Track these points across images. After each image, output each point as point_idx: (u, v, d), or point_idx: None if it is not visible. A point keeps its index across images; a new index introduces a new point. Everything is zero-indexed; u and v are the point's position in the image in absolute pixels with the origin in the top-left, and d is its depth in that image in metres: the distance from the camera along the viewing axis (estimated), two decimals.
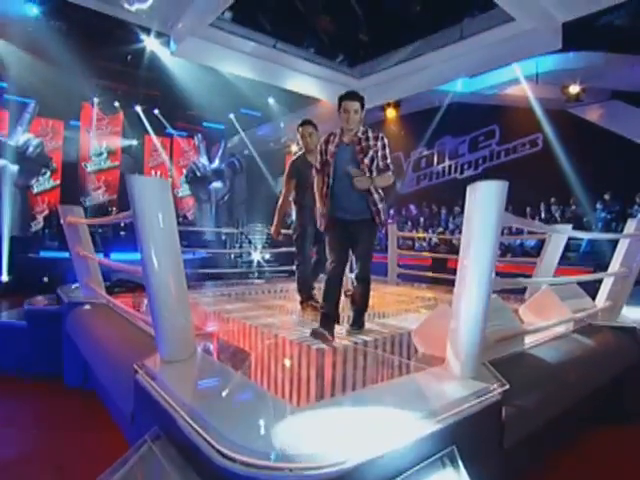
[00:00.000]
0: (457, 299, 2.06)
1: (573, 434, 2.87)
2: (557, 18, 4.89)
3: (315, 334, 2.78)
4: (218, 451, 1.33)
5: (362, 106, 2.98)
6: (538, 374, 2.43)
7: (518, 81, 9.38)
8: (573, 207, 9.96)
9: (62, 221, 4.13)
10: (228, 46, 5.86)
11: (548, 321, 2.97)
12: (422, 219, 12.43)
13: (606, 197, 9.37)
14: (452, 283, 2.19)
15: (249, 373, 2.19)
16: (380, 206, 3.00)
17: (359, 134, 2.99)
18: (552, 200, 10.16)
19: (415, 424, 1.59)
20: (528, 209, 10.30)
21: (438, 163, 13.15)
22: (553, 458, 2.54)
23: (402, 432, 1.53)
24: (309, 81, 7.01)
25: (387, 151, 3.00)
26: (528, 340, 2.82)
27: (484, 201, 1.91)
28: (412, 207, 13.33)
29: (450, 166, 12.85)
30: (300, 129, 3.96)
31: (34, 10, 8.15)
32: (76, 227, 3.94)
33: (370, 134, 2.99)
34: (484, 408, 1.84)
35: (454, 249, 10.48)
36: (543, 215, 10.22)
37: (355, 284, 3.25)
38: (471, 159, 12.29)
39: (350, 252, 3.21)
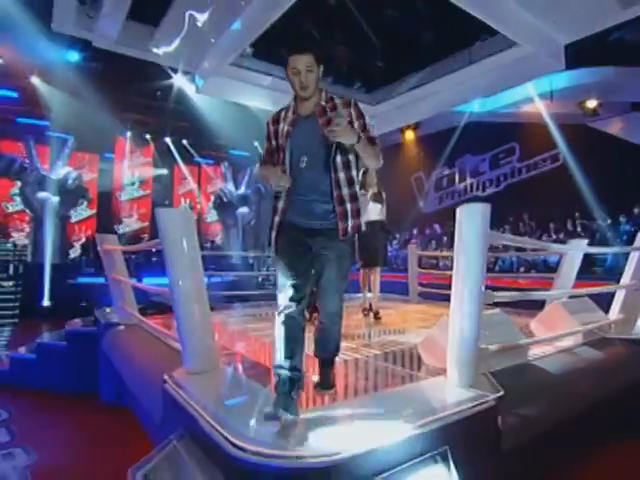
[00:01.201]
0: (452, 313, 2.23)
1: (585, 445, 2.92)
2: (559, 41, 5.06)
3: (268, 417, 1.73)
4: (233, 444, 1.55)
5: (318, 61, 2.06)
6: (539, 385, 2.55)
7: (533, 99, 9.49)
8: (598, 221, 9.85)
9: (99, 248, 4.51)
10: (248, 81, 6.30)
11: (555, 334, 3.07)
12: (445, 238, 12.49)
13: (635, 210, 9.25)
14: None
15: (264, 382, 2.41)
16: (348, 206, 2.07)
17: (321, 101, 2.11)
18: (576, 215, 10.09)
19: (409, 425, 1.77)
20: (551, 225, 10.24)
21: (460, 182, 13.25)
22: (560, 468, 2.62)
23: (396, 431, 1.71)
24: None
25: (366, 121, 2.16)
26: (535, 352, 2.94)
27: (470, 222, 2.10)
28: (437, 226, 13.41)
29: (472, 184, 12.92)
30: None
31: (75, 56, 8.94)
32: (112, 254, 4.30)
33: (337, 100, 2.13)
34: (478, 413, 1.99)
35: None
36: (568, 230, 10.13)
37: (317, 322, 2.27)
38: (492, 176, 12.35)
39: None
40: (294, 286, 2.02)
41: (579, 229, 9.86)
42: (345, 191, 2.07)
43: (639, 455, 2.92)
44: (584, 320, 3.45)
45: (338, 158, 2.07)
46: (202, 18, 5.19)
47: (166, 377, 2.35)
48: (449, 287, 2.38)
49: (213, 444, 1.64)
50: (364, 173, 4.52)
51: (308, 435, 1.61)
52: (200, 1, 5.23)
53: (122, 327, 4.15)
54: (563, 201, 10.16)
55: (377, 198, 4.51)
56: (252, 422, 1.71)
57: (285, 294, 2.02)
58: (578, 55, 7.39)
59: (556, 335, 3.03)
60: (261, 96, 6.75)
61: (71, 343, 4.77)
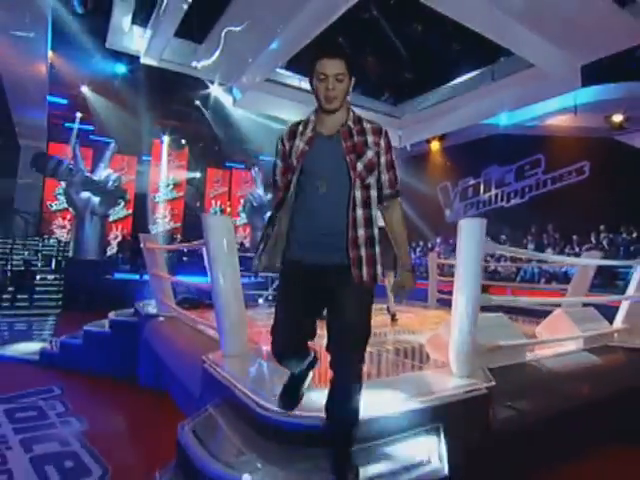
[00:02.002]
0: (454, 314, 2.56)
1: (570, 443, 3.15)
2: (574, 63, 5.28)
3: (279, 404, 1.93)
4: (260, 406, 1.94)
5: (350, 70, 1.75)
6: (533, 381, 2.84)
7: (558, 113, 9.61)
8: (624, 235, 9.85)
9: (142, 246, 5.01)
10: (281, 96, 6.75)
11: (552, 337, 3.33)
12: None
13: None
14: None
15: None
16: (363, 252, 1.75)
17: (349, 121, 1.80)
18: (601, 228, 10.11)
19: (409, 402, 2.11)
20: (575, 237, 10.29)
21: (485, 192, 13.38)
22: (544, 460, 2.87)
23: (397, 405, 2.06)
24: None
25: (394, 157, 1.87)
26: (536, 354, 3.22)
27: (467, 234, 2.43)
28: None
29: (497, 195, 13.03)
30: None
31: (122, 68, 9.68)
32: (153, 252, 4.79)
33: (366, 124, 1.82)
34: (471, 398, 2.31)
35: (496, 276, 10.63)
36: (592, 243, 10.15)
37: (329, 386, 1.82)
38: (517, 188, 12.44)
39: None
40: (294, 338, 1.89)
41: (604, 242, 9.87)
42: (361, 232, 1.74)
43: (621, 459, 3.11)
44: (587, 328, 3.70)
45: (358, 193, 1.75)
46: (242, 38, 5.67)
47: (205, 358, 2.76)
48: None
49: (244, 407, 2.04)
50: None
51: (320, 402, 1.97)
52: (241, 22, 5.71)
53: (162, 318, 4.62)
54: (588, 214, 10.19)
55: None
56: (275, 391, 2.09)
57: (282, 338, 1.90)
58: (604, 70, 7.56)
59: (553, 338, 3.30)
60: (292, 109, 7.20)
61: (114, 331, 5.27)
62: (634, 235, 9.70)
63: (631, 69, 7.72)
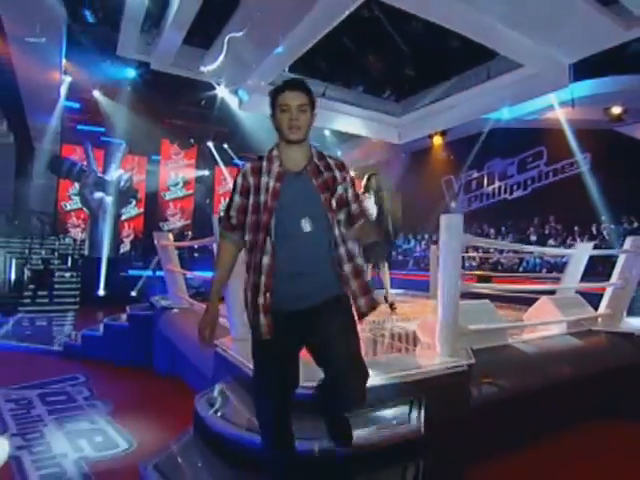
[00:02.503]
0: (439, 300, 2.86)
1: (558, 418, 3.44)
2: (563, 61, 5.49)
3: None
4: None
5: (312, 106, 1.79)
6: (513, 360, 3.13)
7: (556, 107, 9.77)
8: (625, 225, 10.00)
9: (156, 244, 5.36)
10: None
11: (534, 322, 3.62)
12: None
13: None
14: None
15: None
16: (353, 285, 1.78)
17: (315, 158, 1.81)
18: (602, 218, 10.27)
19: (393, 374, 2.42)
20: (576, 228, 10.46)
21: (488, 185, 13.55)
22: (531, 433, 3.17)
23: (383, 378, 2.36)
24: (354, 122, 8.02)
25: (355, 188, 1.92)
26: (519, 337, 3.51)
27: (447, 229, 2.72)
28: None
29: (500, 187, 13.21)
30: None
31: (132, 73, 10.07)
32: (167, 249, 5.13)
33: (330, 160, 1.85)
34: (452, 374, 2.61)
35: (499, 267, 10.86)
36: (593, 233, 10.33)
37: (334, 421, 1.93)
38: (520, 180, 12.61)
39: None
40: (279, 401, 1.78)
41: (605, 232, 10.04)
42: (347, 268, 1.76)
43: (601, 434, 3.37)
44: (570, 313, 3.96)
45: (336, 230, 1.76)
46: (245, 44, 5.97)
47: (217, 343, 3.09)
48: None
49: (249, 381, 2.35)
50: (368, 179, 5.21)
51: (316, 375, 2.28)
52: (244, 28, 6.00)
53: (176, 310, 4.97)
54: (589, 205, 10.35)
55: (379, 200, 5.14)
56: None
57: (268, 409, 1.80)
58: (601, 63, 7.73)
59: (535, 322, 3.57)
60: None
61: (132, 324, 5.65)
62: (635, 225, 9.85)
63: (627, 63, 7.87)
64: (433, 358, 2.78)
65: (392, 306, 5.13)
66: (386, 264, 5.38)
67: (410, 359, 2.80)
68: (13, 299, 10.38)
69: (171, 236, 5.41)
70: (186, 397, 3.58)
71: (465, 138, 12.93)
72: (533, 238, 11.05)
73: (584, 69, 7.54)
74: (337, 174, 1.80)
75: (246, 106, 6.96)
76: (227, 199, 1.86)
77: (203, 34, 6.54)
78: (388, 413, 2.23)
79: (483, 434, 2.67)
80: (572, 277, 5.42)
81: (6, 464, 2.88)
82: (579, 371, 3.44)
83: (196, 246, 13.09)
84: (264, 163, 1.78)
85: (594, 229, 10.34)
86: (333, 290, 1.76)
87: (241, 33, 6.04)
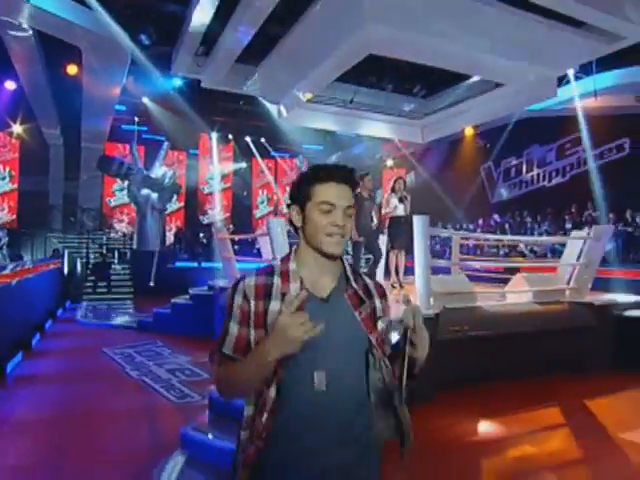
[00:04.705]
0: (416, 274, 4.71)
1: (519, 366, 5.15)
2: (550, 75, 7.08)
3: None
4: None
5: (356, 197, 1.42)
6: (477, 316, 4.91)
7: (582, 97, 11.09)
8: None
9: (215, 237, 7.45)
10: (319, 110, 8.97)
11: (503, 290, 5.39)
12: (507, 227, 14.25)
13: None
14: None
15: None
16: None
17: (351, 279, 1.37)
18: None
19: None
20: (611, 215, 11.72)
21: (527, 172, 14.89)
22: (492, 375, 4.93)
23: None
24: (379, 125, 9.85)
25: None
26: (490, 303, 5.29)
27: (417, 226, 4.55)
28: (496, 216, 15.07)
29: (539, 174, 14.52)
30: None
31: (179, 82, 12.37)
32: (224, 241, 7.20)
33: (366, 279, 1.44)
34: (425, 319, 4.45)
35: (532, 255, 12.31)
36: (627, 220, 11.56)
37: None
38: (559, 166, 13.89)
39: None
40: None
41: (638, 219, 11.28)
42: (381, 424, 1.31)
43: (559, 381, 5.10)
44: (541, 288, 5.66)
45: (372, 374, 1.31)
46: (285, 66, 7.88)
47: None
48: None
49: None
50: (361, 177, 6.69)
51: None
52: (286, 54, 7.91)
53: None
54: (628, 191, 11.52)
55: (402, 199, 6.86)
56: None
57: None
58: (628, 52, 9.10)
59: (504, 290, 5.34)
60: (328, 121, 9.45)
61: (195, 302, 7.81)
62: None
63: None
64: None
65: (401, 285, 6.91)
66: (403, 252, 7.12)
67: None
68: (77, 289, 12.94)
69: (226, 230, 7.47)
70: None
71: (500, 127, 14.28)
72: (568, 226, 12.37)
73: (610, 60, 8.86)
74: (377, 302, 1.39)
75: (285, 119, 8.89)
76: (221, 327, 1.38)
77: (250, 55, 8.44)
78: None
79: (448, 369, 4.49)
80: (568, 261, 7.04)
81: (135, 383, 5.04)
82: (537, 327, 5.15)
83: (236, 239, 15.33)
84: (275, 280, 1.32)
85: (628, 216, 11.58)
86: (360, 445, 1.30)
87: (283, 58, 7.91)
